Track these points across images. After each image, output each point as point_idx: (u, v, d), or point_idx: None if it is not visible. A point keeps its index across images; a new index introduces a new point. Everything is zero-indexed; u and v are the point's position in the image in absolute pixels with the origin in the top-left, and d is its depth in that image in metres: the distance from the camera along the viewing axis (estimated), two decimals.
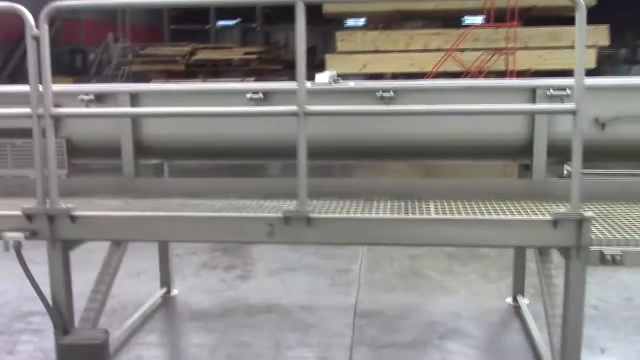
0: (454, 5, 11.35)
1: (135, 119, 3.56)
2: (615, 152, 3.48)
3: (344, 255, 5.07)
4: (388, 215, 2.85)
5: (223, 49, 12.17)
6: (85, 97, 3.49)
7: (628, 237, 2.67)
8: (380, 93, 3.37)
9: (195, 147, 3.63)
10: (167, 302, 4.22)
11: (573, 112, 2.61)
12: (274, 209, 3.05)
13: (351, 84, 3.67)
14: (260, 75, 12.34)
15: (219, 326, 3.84)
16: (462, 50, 11.48)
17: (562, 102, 3.23)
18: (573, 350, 2.76)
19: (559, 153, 3.47)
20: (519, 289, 4.09)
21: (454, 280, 4.57)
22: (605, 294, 4.27)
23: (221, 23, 30.05)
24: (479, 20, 13.00)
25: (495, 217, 2.81)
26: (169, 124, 3.57)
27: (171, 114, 3.32)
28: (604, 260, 2.64)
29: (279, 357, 3.45)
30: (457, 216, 2.84)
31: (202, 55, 11.75)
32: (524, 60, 11.34)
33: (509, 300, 4.13)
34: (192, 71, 11.73)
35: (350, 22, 14.63)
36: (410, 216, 2.84)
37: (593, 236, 2.66)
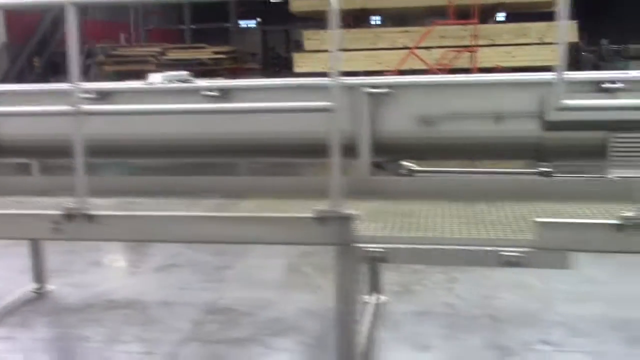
0: (420, 3, 11.30)
1: None
2: (442, 149, 3.49)
3: (235, 252, 5.11)
4: (162, 213, 2.89)
5: (193, 49, 12.31)
6: None
7: (393, 234, 2.69)
8: (205, 92, 3.43)
9: None
10: (37, 296, 4.31)
11: (328, 110, 2.63)
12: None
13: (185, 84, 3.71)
14: (233, 74, 12.45)
15: (70, 320, 3.92)
16: (429, 48, 11.42)
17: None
18: (347, 346, 2.79)
19: (385, 150, 3.50)
20: (374, 287, 4.10)
21: (324, 278, 4.59)
22: (472, 292, 4.27)
23: (242, 23, 30.37)
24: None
25: (261, 215, 2.84)
26: None
27: None
28: (369, 257, 2.67)
29: (107, 351, 3.52)
30: (226, 214, 2.88)
31: (172, 55, 11.89)
32: (491, 56, 11.25)
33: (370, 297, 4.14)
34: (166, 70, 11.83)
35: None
36: (182, 213, 2.88)
37: (361, 233, 2.68)
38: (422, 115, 3.41)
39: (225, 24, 27.80)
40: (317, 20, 13.51)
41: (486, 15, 12.19)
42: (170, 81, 3.68)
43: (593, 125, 3.23)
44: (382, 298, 4.12)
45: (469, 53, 10.99)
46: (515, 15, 11.98)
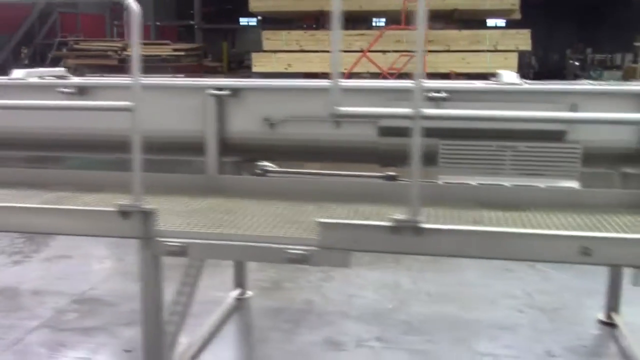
0: (374, 7, 11.43)
1: None
2: (284, 150, 3.62)
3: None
4: None
5: (156, 45, 12.42)
6: None
7: (194, 229, 2.82)
8: (61, 89, 3.56)
9: None
10: None
11: (129, 109, 2.75)
12: None
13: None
14: (195, 72, 12.58)
15: None
16: (385, 52, 11.55)
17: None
18: (154, 344, 2.91)
19: (233, 150, 3.63)
20: (238, 282, 4.24)
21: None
22: (339, 290, 4.40)
23: (243, 21, 30.19)
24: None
25: (66, 207, 2.96)
26: None
27: None
28: (169, 251, 2.79)
29: None
30: (33, 205, 2.99)
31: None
32: (446, 62, 11.38)
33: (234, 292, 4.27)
34: (127, 66, 11.93)
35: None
36: (13, 204, 2.98)
37: (163, 228, 2.81)
38: (266, 117, 3.54)
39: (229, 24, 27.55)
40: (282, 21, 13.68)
41: (443, 21, 12.32)
42: (40, 77, 3.79)
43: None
44: (248, 293, 4.26)
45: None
46: (470, 23, 12.09)
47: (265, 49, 12.00)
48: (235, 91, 3.53)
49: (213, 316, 3.79)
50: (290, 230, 2.82)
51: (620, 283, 3.78)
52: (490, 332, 3.73)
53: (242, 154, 3.71)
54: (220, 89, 3.51)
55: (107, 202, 3.10)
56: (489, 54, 11.42)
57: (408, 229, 2.54)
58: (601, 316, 3.87)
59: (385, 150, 3.47)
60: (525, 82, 3.42)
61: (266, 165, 3.85)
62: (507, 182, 3.32)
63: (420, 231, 2.54)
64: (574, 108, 3.25)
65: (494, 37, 11.45)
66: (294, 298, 4.25)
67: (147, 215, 2.77)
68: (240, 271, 4.23)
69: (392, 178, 3.67)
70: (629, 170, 3.41)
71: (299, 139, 3.54)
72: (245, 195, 3.44)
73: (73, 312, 3.97)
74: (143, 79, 2.87)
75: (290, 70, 11.82)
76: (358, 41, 11.65)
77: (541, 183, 3.29)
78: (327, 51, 11.89)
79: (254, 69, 11.97)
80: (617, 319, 3.74)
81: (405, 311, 4.03)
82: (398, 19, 11.36)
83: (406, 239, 2.56)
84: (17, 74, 3.80)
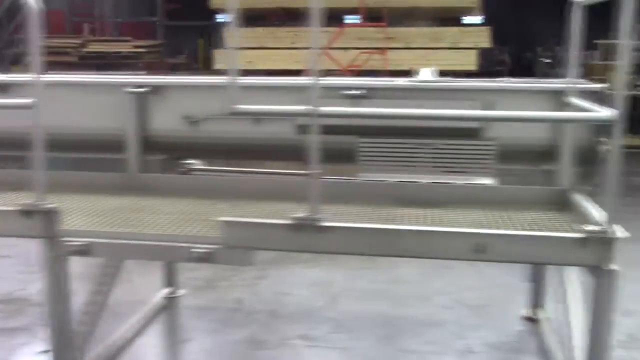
0: (335, 4, 11.39)
1: None
2: (205, 148, 3.60)
3: None
4: None
5: (116, 42, 12.30)
6: None
7: (100, 229, 2.79)
8: None
9: None
10: None
11: (29, 107, 2.70)
12: None
13: None
14: (156, 69, 12.46)
15: None
16: (346, 49, 11.54)
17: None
18: (63, 345, 2.88)
19: (155, 148, 3.60)
20: (169, 281, 4.21)
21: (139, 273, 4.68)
22: (271, 288, 4.39)
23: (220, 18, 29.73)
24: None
25: None
26: None
27: None
28: (73, 251, 2.76)
29: None
30: None
31: (92, 48, 11.89)
32: (406, 60, 11.38)
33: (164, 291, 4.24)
34: (87, 63, 11.87)
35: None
36: None
37: (67, 227, 2.77)
38: (187, 114, 3.52)
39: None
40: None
41: (402, 18, 12.35)
42: None
43: (338, 130, 3.37)
44: (179, 292, 4.23)
45: (380, 55, 11.13)
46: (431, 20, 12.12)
47: (226, 45, 11.91)
48: (156, 88, 3.50)
49: (138, 316, 3.76)
50: (197, 229, 2.81)
51: (544, 279, 3.82)
52: (416, 329, 3.75)
53: (164, 152, 3.67)
54: (139, 86, 3.49)
55: (15, 201, 3.07)
56: (448, 51, 11.46)
57: (308, 227, 2.54)
58: (526, 312, 3.91)
59: (305, 148, 3.46)
60: (443, 80, 3.43)
61: (192, 164, 3.83)
62: (424, 179, 3.33)
63: (319, 229, 2.54)
64: (489, 106, 3.28)
65: (454, 35, 11.49)
66: (225, 297, 4.23)
67: (49, 215, 2.74)
68: (170, 270, 4.20)
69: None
70: (548, 167, 3.44)
71: (220, 137, 3.53)
72: (165, 193, 3.41)
73: None
74: (48, 76, 2.83)
75: (250, 67, 11.74)
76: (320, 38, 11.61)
77: (458, 180, 3.31)
78: (288, 48, 11.90)
79: (216, 66, 11.87)
80: (541, 315, 3.78)
81: (335, 309, 4.04)
82: (376, 16, 11.38)
83: (307, 237, 2.57)
84: None
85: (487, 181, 3.30)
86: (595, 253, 2.37)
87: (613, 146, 2.26)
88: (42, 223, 2.74)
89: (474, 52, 11.42)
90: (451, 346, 3.52)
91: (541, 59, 25.66)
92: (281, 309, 4.04)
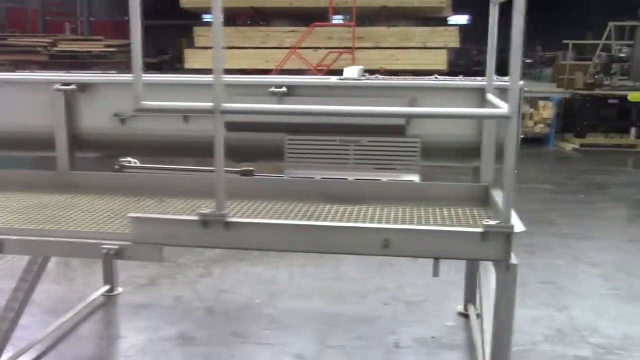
0: (307, 4, 11.42)
1: None
2: (136, 145, 3.60)
3: None
4: None
5: (87, 41, 12.24)
6: None
7: (14, 225, 2.78)
8: None
9: None
10: None
11: None
12: None
13: None
14: (128, 68, 12.37)
15: None
16: (316, 49, 11.57)
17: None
18: None
19: (85, 146, 3.60)
20: (107, 279, 4.21)
21: (85, 270, 4.68)
22: (214, 286, 4.40)
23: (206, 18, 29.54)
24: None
25: None
26: None
27: None
28: None
29: None
30: None
31: (62, 47, 11.82)
32: (375, 59, 11.42)
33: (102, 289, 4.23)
34: (57, 62, 11.80)
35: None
36: None
37: None
38: (116, 112, 3.52)
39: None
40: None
41: (371, 18, 12.40)
42: None
43: (267, 127, 3.39)
44: (118, 290, 4.23)
45: (348, 54, 11.16)
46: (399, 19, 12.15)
47: (197, 45, 11.92)
48: (84, 86, 3.50)
49: (71, 314, 3.76)
50: (113, 226, 2.81)
51: (479, 275, 3.85)
52: (348, 325, 3.76)
53: (95, 150, 3.68)
54: (67, 84, 3.48)
55: None
56: (417, 50, 11.52)
57: (216, 223, 2.55)
58: (460, 308, 3.94)
59: (235, 145, 3.47)
60: (367, 78, 3.45)
61: (126, 161, 3.83)
62: (350, 175, 3.35)
63: (227, 225, 2.55)
64: (413, 103, 3.30)
65: (423, 35, 11.55)
66: (164, 294, 4.23)
67: None
68: (108, 267, 4.20)
69: (248, 173, 3.68)
70: (472, 164, 3.46)
71: (150, 134, 3.53)
72: (95, 191, 3.41)
73: None
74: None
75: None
76: (289, 38, 11.65)
77: (383, 177, 3.34)
78: (257, 47, 11.90)
79: (186, 66, 11.86)
80: (471, 311, 3.82)
81: (272, 306, 4.05)
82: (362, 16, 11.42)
83: (215, 233, 2.57)
84: None
85: (413, 178, 3.32)
86: (494, 247, 2.40)
87: (507, 142, 2.29)
88: None
89: (444, 51, 11.49)
90: (380, 342, 3.54)
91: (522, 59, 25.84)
92: (219, 306, 4.04)
